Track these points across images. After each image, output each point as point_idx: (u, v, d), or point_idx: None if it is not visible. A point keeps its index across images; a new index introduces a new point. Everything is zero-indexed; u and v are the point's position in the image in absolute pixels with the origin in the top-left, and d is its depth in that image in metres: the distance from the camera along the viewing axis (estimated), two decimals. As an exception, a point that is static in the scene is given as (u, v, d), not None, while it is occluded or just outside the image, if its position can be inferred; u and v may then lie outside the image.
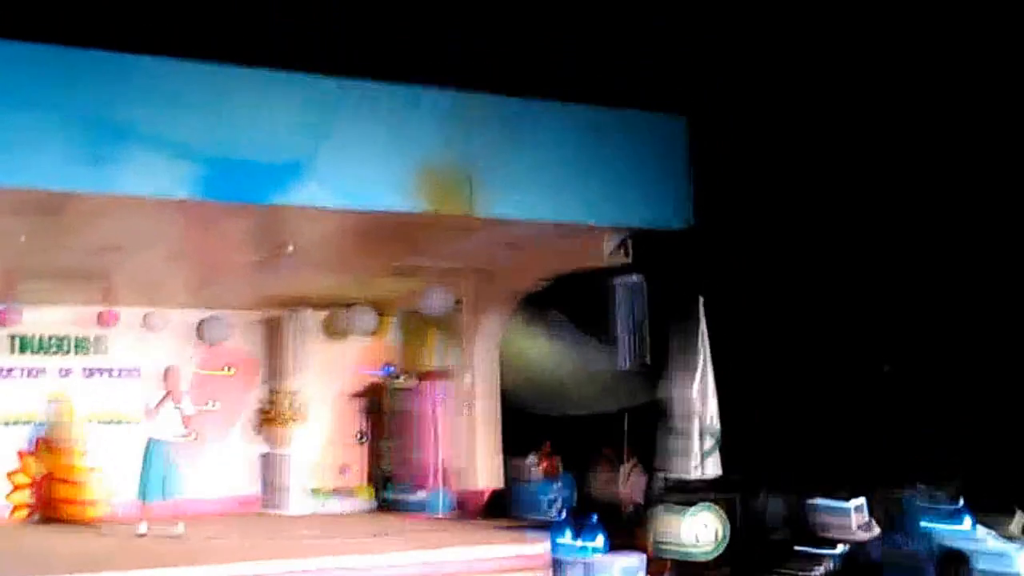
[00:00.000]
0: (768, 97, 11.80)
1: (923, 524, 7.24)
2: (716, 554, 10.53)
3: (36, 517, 14.53)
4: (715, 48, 11.95)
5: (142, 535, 12.15)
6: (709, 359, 11.90)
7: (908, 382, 10.62)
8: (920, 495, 7.03)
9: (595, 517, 10.39)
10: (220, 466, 15.79)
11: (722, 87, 11.90)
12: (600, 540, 10.22)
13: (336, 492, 16.01)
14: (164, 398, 12.59)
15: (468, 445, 15.06)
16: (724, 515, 10.51)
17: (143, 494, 12.43)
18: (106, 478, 14.48)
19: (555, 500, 13.62)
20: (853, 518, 7.99)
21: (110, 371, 15.47)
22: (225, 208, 10.43)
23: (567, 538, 10.40)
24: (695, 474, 11.60)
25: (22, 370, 15.06)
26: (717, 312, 11.78)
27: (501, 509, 14.12)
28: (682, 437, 11.91)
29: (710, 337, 11.80)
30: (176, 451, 12.67)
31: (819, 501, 9.73)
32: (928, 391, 10.27)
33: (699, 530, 10.43)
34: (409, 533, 12.77)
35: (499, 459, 14.92)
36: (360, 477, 16.42)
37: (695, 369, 11.95)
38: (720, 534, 10.55)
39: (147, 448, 12.50)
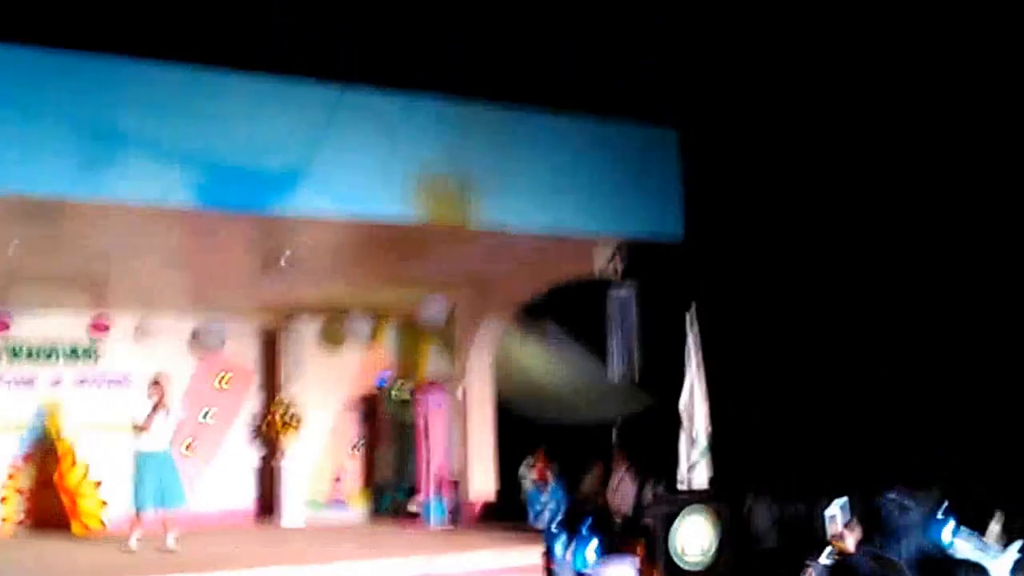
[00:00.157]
0: (760, 109, 11.86)
1: (908, 529, 7.29)
2: (708, 562, 10.56)
3: (28, 527, 14.49)
4: (707, 61, 12.01)
5: (136, 542, 12.10)
6: (701, 368, 11.97)
7: (898, 389, 10.67)
8: (905, 500, 7.06)
9: (588, 524, 10.41)
10: (215, 475, 15.80)
11: (714, 99, 11.97)
12: (594, 547, 10.23)
13: (332, 501, 16.05)
14: (154, 409, 12.34)
15: (464, 453, 15.13)
16: (716, 522, 10.54)
17: (138, 504, 12.30)
18: (99, 488, 14.48)
19: (547, 507, 13.67)
20: (839, 524, 8.01)
21: (103, 379, 15.34)
22: (221, 215, 10.46)
23: (561, 545, 10.42)
24: (686, 482, 11.65)
25: (13, 378, 14.90)
26: (708, 322, 11.84)
27: (497, 517, 14.17)
28: (676, 443, 11.97)
29: (701, 347, 11.86)
30: (169, 460, 12.54)
31: (809, 508, 9.77)
32: (916, 399, 10.33)
33: (691, 537, 10.45)
34: (405, 541, 12.81)
35: (494, 467, 14.98)
36: (356, 486, 16.46)
37: (687, 378, 12.02)
38: (712, 541, 10.58)
39: (139, 458, 12.30)
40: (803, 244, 11.51)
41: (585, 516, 10.42)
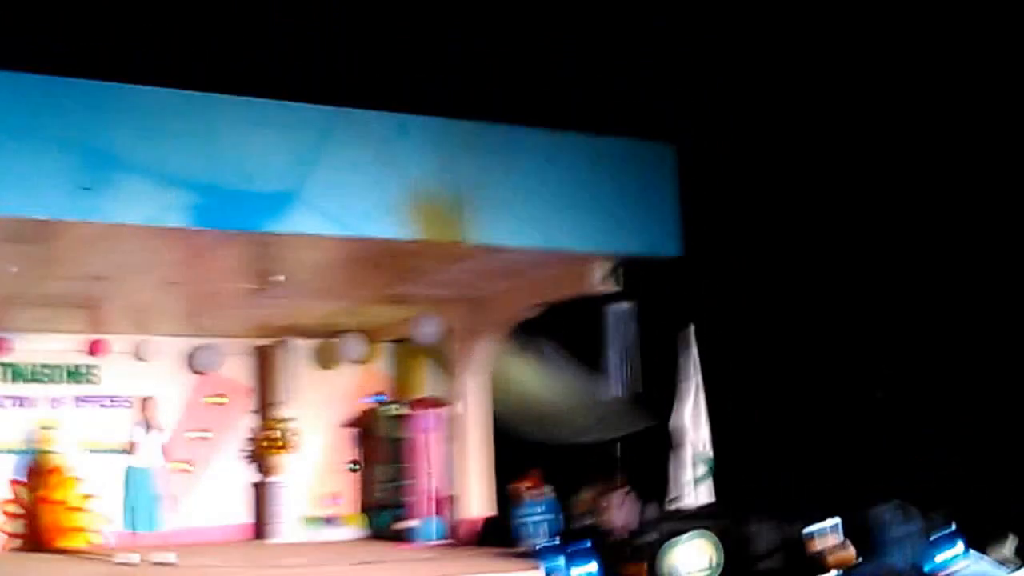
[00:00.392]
0: (756, 125, 11.87)
1: (903, 542, 7.26)
2: (710, 581, 10.50)
3: (26, 545, 14.44)
4: (704, 77, 12.03)
5: (134, 564, 12.09)
6: (701, 386, 11.93)
7: (900, 407, 10.64)
8: (899, 513, 7.04)
9: (588, 544, 10.35)
10: (212, 495, 15.75)
11: (711, 116, 11.97)
12: (593, 567, 10.17)
13: (328, 520, 15.98)
14: (147, 432, 12.52)
15: (460, 473, 15.05)
16: (717, 541, 10.48)
17: (131, 524, 12.37)
18: (98, 507, 14.43)
19: (540, 525, 13.58)
20: (830, 540, 7.97)
21: (101, 399, 15.40)
22: (216, 236, 10.44)
23: (560, 565, 10.36)
24: (688, 500, 11.60)
25: (13, 399, 14.99)
26: (707, 339, 11.81)
27: (495, 536, 14.09)
28: (675, 464, 11.93)
29: (701, 364, 11.83)
30: (159, 480, 12.58)
31: (811, 527, 9.72)
32: (919, 416, 10.30)
33: (692, 557, 10.38)
34: (400, 560, 12.74)
35: (492, 486, 14.91)
36: (353, 505, 16.39)
37: (687, 396, 11.99)
38: (714, 561, 10.52)
39: (128, 478, 12.44)
40: (800, 260, 11.50)
41: (583, 537, 10.37)
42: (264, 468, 16.06)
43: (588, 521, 12.96)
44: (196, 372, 15.80)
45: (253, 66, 11.08)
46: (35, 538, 14.47)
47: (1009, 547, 7.60)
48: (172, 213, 9.83)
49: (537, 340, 13.36)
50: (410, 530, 15.02)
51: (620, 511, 12.61)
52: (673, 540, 10.62)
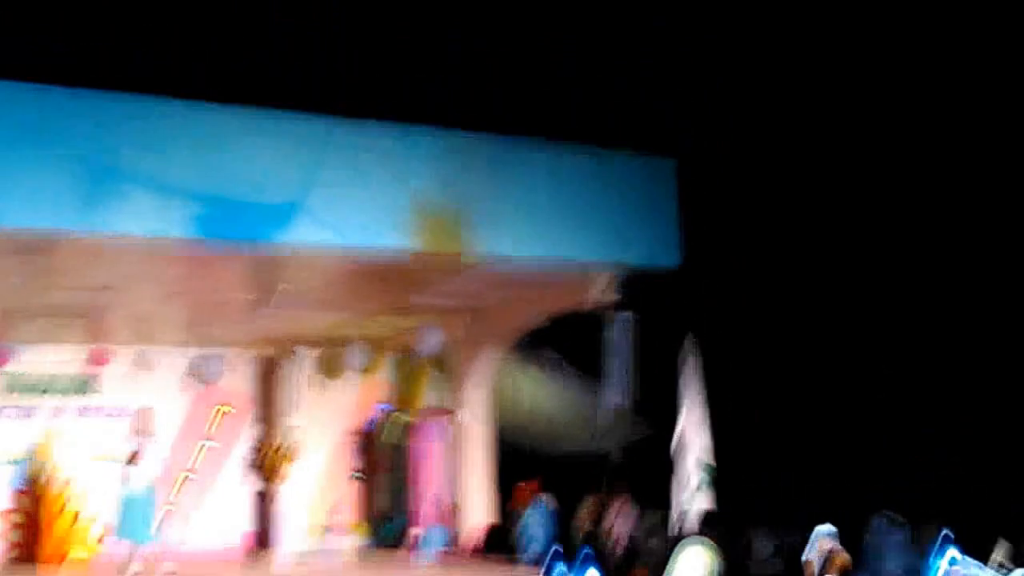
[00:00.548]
0: (756, 138, 11.93)
1: (895, 548, 7.32)
2: (708, 590, 10.53)
3: (28, 556, 14.44)
4: (705, 91, 12.09)
5: (136, 574, 12.10)
6: (702, 395, 11.97)
7: (898, 415, 10.68)
8: (892, 520, 7.09)
9: (588, 552, 10.40)
10: (213, 505, 15.74)
11: (711, 129, 12.04)
12: (594, 575, 10.22)
13: (331, 530, 15.98)
14: (142, 445, 12.43)
15: (463, 482, 15.09)
16: (717, 549, 10.52)
17: (131, 535, 12.32)
18: (99, 518, 14.44)
19: (537, 534, 13.60)
20: (827, 545, 8.03)
21: (102, 410, 15.30)
22: (219, 247, 10.48)
23: (561, 573, 10.41)
24: (688, 508, 11.64)
25: (15, 409, 14.93)
26: (708, 349, 11.86)
27: (497, 545, 14.12)
28: (676, 472, 11.97)
29: (702, 373, 11.87)
30: (146, 496, 12.58)
31: (810, 534, 9.77)
32: (916, 425, 10.35)
33: (691, 565, 10.43)
34: (403, 571, 12.77)
35: (494, 496, 14.95)
36: (355, 515, 16.40)
37: (688, 405, 12.03)
38: (712, 569, 10.56)
39: (128, 488, 12.29)
40: (800, 271, 11.55)
41: (584, 545, 10.43)
42: (266, 479, 16.07)
43: (589, 529, 12.99)
44: (199, 382, 15.78)
45: (257, 79, 11.13)
46: (36, 548, 14.46)
47: (1003, 552, 7.65)
48: (175, 224, 9.88)
49: (539, 351, 13.41)
50: (413, 540, 15.05)
51: (621, 519, 12.66)
52: (673, 548, 10.68)
